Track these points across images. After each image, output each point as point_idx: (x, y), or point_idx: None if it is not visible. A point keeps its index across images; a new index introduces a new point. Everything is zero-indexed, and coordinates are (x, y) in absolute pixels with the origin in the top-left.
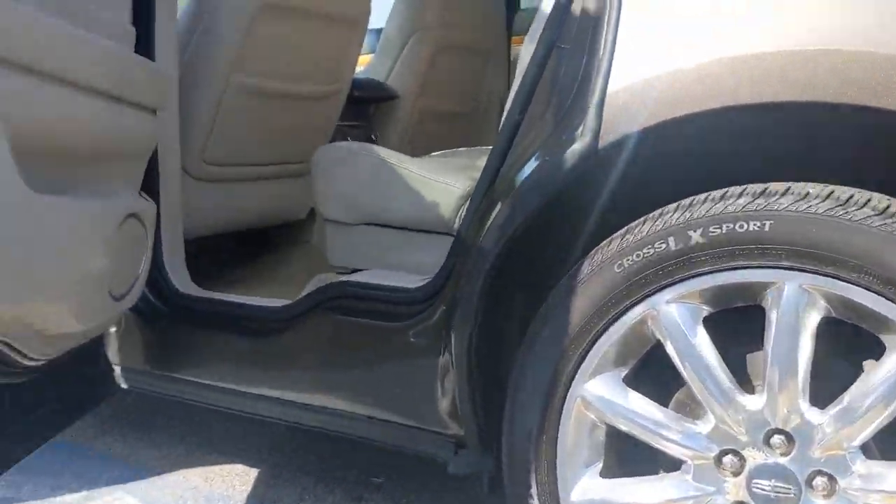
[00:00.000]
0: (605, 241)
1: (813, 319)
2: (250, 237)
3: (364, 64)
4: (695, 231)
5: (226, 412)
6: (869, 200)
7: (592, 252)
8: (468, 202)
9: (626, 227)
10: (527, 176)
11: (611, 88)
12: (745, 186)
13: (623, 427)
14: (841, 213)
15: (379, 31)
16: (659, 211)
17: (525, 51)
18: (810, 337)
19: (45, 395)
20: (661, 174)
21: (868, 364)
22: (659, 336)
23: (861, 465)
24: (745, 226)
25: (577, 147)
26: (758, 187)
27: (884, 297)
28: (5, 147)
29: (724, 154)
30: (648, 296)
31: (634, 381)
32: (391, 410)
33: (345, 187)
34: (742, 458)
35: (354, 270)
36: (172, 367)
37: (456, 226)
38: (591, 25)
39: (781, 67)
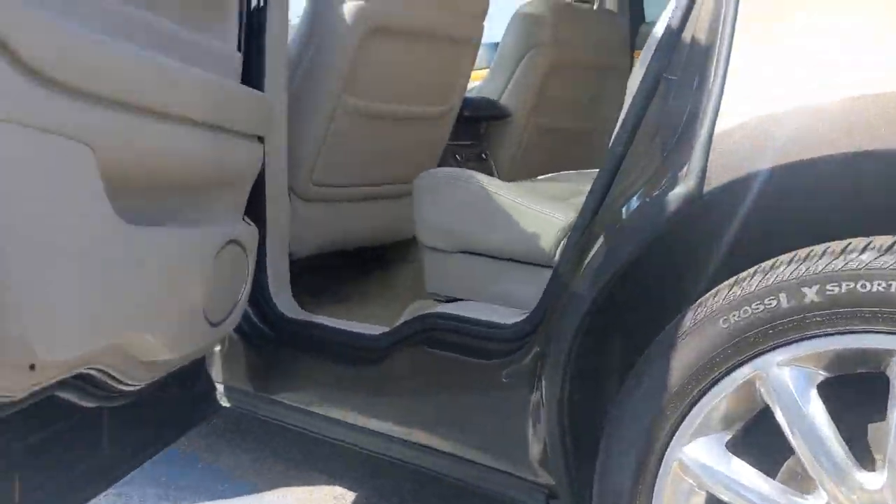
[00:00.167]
0: (710, 292)
1: None
2: (358, 256)
3: (478, 79)
4: (810, 288)
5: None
6: None
7: (696, 303)
8: (568, 235)
9: (734, 278)
10: (627, 217)
11: (719, 127)
12: (869, 239)
13: (724, 496)
14: None
15: (496, 46)
16: (771, 262)
17: (634, 78)
18: None
19: (155, 410)
20: (774, 222)
21: None
22: (767, 400)
23: None
24: (869, 285)
25: (680, 190)
26: (885, 241)
27: None
28: (97, 181)
29: (849, 203)
30: (757, 356)
31: (739, 446)
32: (480, 451)
33: (443, 214)
34: None
35: (452, 299)
36: (271, 389)
37: (556, 259)
38: (701, 55)
39: None
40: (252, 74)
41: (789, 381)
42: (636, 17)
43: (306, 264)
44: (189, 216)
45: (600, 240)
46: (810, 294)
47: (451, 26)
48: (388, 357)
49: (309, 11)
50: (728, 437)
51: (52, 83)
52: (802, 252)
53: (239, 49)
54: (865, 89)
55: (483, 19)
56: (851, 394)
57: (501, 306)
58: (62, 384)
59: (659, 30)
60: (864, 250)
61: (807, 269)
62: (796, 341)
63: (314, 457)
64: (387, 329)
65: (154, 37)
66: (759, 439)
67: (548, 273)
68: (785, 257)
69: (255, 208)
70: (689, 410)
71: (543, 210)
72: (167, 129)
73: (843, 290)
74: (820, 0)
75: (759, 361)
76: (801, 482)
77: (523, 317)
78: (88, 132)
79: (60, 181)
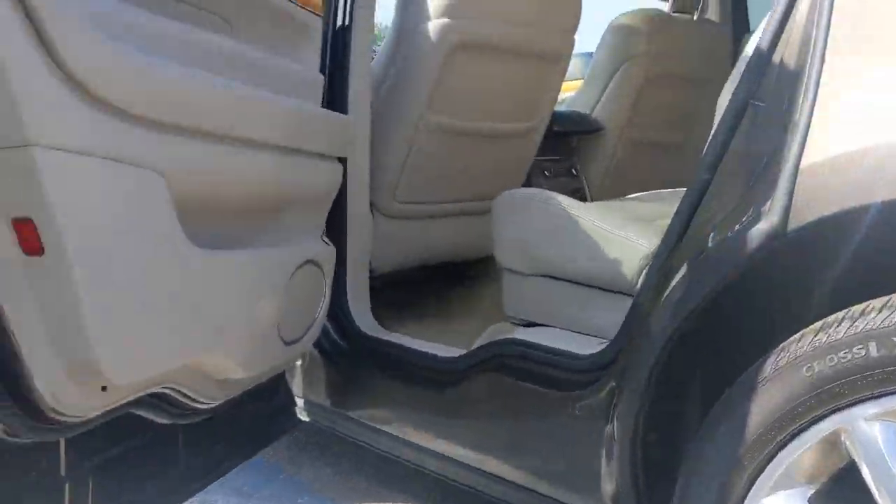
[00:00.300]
0: (794, 336)
1: None
2: (439, 272)
3: (569, 90)
4: None
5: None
6: None
7: (780, 347)
8: (650, 264)
9: (820, 322)
10: (707, 250)
11: (806, 161)
12: None
13: None
14: None
15: (591, 55)
16: (861, 307)
17: (724, 96)
18: None
19: (233, 425)
20: (864, 264)
21: None
22: (854, 456)
23: None
24: None
25: (763, 226)
26: None
27: None
28: (169, 208)
29: None
30: (842, 408)
31: (823, 502)
32: (551, 485)
33: (522, 235)
34: None
35: (531, 323)
36: (347, 405)
37: (638, 288)
38: (790, 81)
39: None
40: (335, 95)
41: (878, 436)
42: (740, 27)
43: (387, 280)
44: (266, 237)
45: (682, 271)
46: None
47: (538, 42)
48: (462, 381)
49: (395, 29)
50: (811, 491)
51: (124, 115)
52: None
53: (323, 69)
54: None
55: (573, 34)
56: None
57: (581, 334)
58: (137, 402)
59: (750, 49)
60: None
61: None
62: (887, 394)
63: (394, 476)
64: (464, 351)
65: (233, 63)
66: (845, 496)
67: (629, 302)
68: (877, 302)
69: (336, 227)
70: (769, 462)
71: (626, 235)
72: (241, 155)
73: None
74: None
75: (844, 414)
76: None
77: (601, 348)
78: (160, 161)
79: (132, 209)
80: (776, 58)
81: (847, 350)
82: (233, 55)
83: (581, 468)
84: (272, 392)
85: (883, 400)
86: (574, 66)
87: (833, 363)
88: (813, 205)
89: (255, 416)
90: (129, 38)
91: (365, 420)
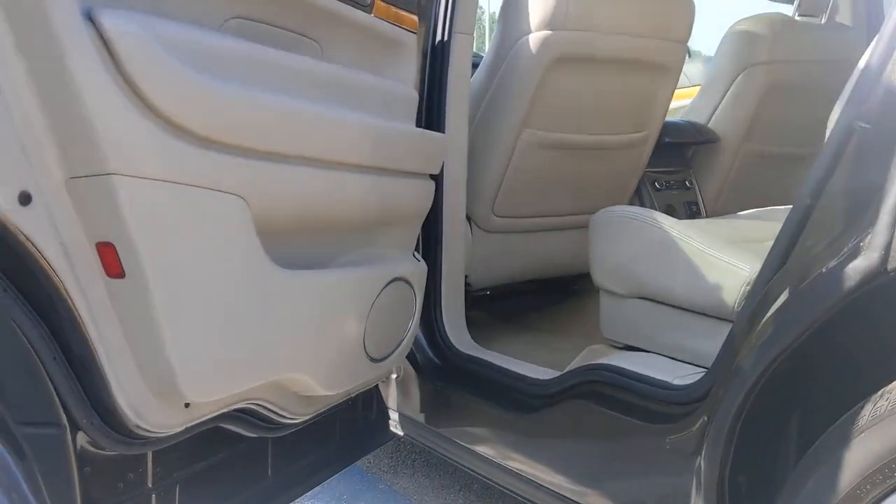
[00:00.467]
0: (893, 384)
1: None
2: (538, 287)
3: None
4: None
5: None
6: None
7: (878, 393)
8: (748, 290)
9: None
10: (804, 285)
11: None
12: None
13: None
14: None
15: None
16: None
17: (833, 115)
18: None
19: (323, 438)
20: None
21: None
22: None
23: None
24: None
25: (861, 263)
26: None
27: None
28: (250, 231)
29: None
30: None
31: None
32: None
33: (620, 256)
34: None
35: (629, 347)
36: (438, 421)
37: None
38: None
39: None
40: (433, 111)
41: None
42: (875, 30)
43: (484, 295)
44: (352, 256)
45: (778, 302)
46: None
47: (648, 53)
48: (551, 405)
49: (495, 44)
50: None
51: (203, 142)
52: None
53: (422, 85)
54: None
55: (684, 44)
56: None
57: (680, 362)
58: (223, 417)
59: (861, 65)
60: None
61: None
62: None
63: (490, 492)
64: (557, 373)
65: (321, 86)
66: None
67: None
68: None
69: (432, 242)
70: None
71: (728, 259)
72: (326, 176)
73: None
74: None
75: None
76: None
77: (695, 379)
78: (241, 185)
79: (212, 232)
80: (887, 74)
81: None
82: (322, 77)
83: (667, 501)
84: (365, 406)
85: None
86: (698, 70)
87: None
88: None
89: (348, 430)
90: (209, 65)
91: (454, 437)
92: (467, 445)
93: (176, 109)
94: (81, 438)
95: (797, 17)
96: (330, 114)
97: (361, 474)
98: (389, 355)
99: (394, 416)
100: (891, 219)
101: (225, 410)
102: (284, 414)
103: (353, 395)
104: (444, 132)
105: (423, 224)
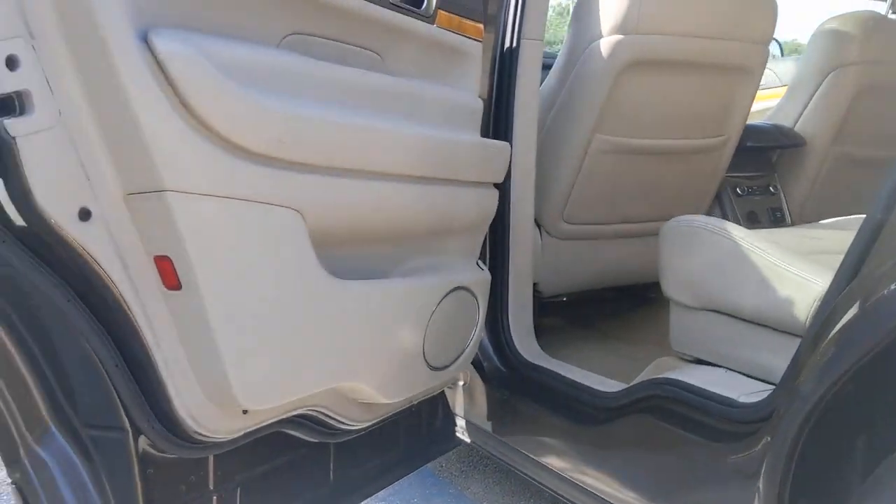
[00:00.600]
0: None
1: None
2: (612, 296)
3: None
4: None
5: None
6: None
7: None
8: (818, 306)
9: None
10: (869, 303)
11: None
12: None
13: None
14: None
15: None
16: None
17: None
18: None
19: (387, 443)
20: None
21: None
22: None
23: None
24: None
25: None
26: None
27: None
28: (306, 243)
29: None
30: None
31: None
32: None
33: (690, 267)
34: None
35: (698, 360)
36: (503, 430)
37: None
38: None
39: None
40: (500, 118)
41: None
42: None
43: (558, 302)
44: (411, 265)
45: (843, 320)
46: None
47: (727, 55)
48: (615, 417)
49: (566, 48)
50: None
51: (256, 158)
52: None
53: (490, 92)
54: None
55: (767, 45)
56: None
57: (750, 378)
58: (283, 422)
59: None
60: None
61: None
62: None
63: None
64: (622, 386)
65: (381, 98)
66: None
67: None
68: None
69: (499, 250)
70: None
71: (799, 271)
72: (382, 188)
73: None
74: None
75: None
76: None
77: (761, 397)
78: (296, 199)
79: (267, 245)
80: None
81: None
82: (380, 90)
83: None
84: (430, 412)
85: None
86: (788, 69)
87: None
88: None
89: (412, 436)
90: (265, 82)
91: (518, 446)
92: (531, 455)
93: (229, 127)
94: (143, 441)
95: (890, 16)
96: (388, 126)
97: (434, 478)
98: (451, 364)
99: (460, 422)
100: None
101: (284, 416)
102: (344, 420)
103: (415, 402)
104: (511, 140)
105: (490, 232)
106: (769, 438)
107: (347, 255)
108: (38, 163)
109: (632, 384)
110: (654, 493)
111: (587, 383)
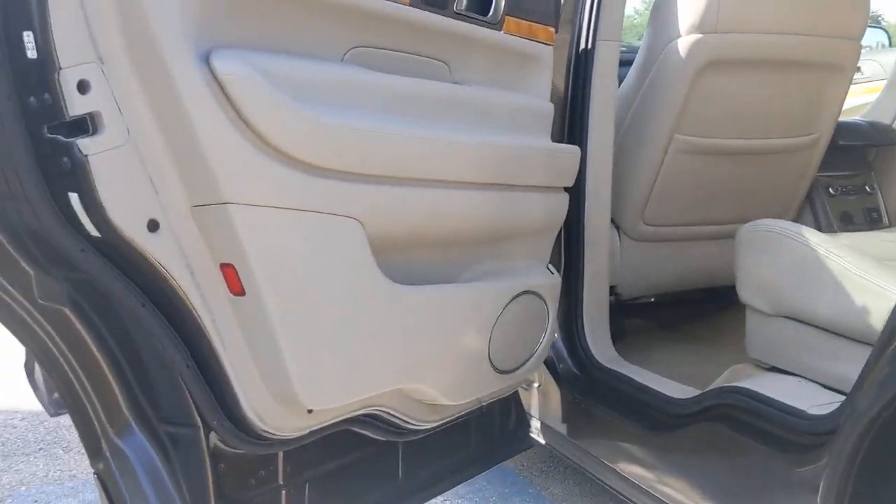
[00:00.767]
0: None
1: None
2: (693, 299)
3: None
4: None
5: None
6: None
7: None
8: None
9: None
10: None
11: None
12: None
13: None
14: None
15: None
16: None
17: None
18: None
19: (458, 443)
20: None
21: None
22: None
23: None
24: None
25: None
26: None
27: None
28: (366, 251)
29: None
30: None
31: None
32: None
33: (766, 272)
34: None
35: (775, 368)
36: (577, 433)
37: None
38: None
39: None
40: (575, 121)
41: None
42: None
43: (636, 304)
44: (476, 270)
45: None
46: None
47: (815, 51)
48: (685, 424)
49: (644, 47)
50: None
51: (315, 170)
52: None
53: (566, 94)
54: None
55: (858, 40)
56: None
57: (826, 388)
58: (350, 421)
59: None
60: None
61: None
62: None
63: None
64: (694, 392)
65: (444, 107)
66: None
67: None
68: None
69: (574, 253)
70: None
71: (876, 280)
72: (444, 196)
73: None
74: None
75: None
76: None
77: (833, 408)
78: (356, 208)
79: (327, 252)
80: None
81: None
82: (445, 98)
83: None
84: (503, 413)
85: None
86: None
87: None
88: None
89: (483, 436)
90: (325, 96)
91: (591, 450)
92: (603, 459)
93: (286, 142)
94: (214, 438)
95: None
96: (450, 135)
97: (514, 476)
98: (519, 367)
99: (535, 423)
100: None
101: (350, 416)
102: (410, 420)
103: (484, 404)
104: (586, 143)
105: (565, 235)
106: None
107: (410, 260)
108: (109, 178)
109: (703, 391)
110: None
111: (658, 388)
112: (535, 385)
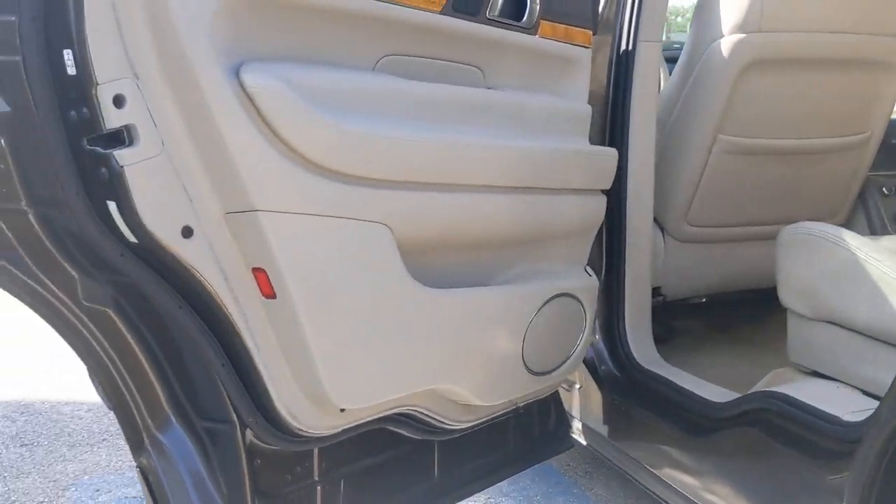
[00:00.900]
0: None
1: None
2: (738, 301)
3: None
4: None
5: None
6: None
7: None
8: None
9: None
10: None
11: None
12: None
13: None
14: None
15: None
16: None
17: None
18: None
19: (496, 442)
20: None
21: None
22: None
23: None
24: None
25: None
26: None
27: None
28: (395, 255)
29: None
30: None
31: None
32: None
33: (806, 276)
34: None
35: (817, 373)
36: (617, 434)
37: None
38: None
39: None
40: (616, 123)
41: None
42: None
43: (681, 305)
44: (511, 273)
45: None
46: None
47: (861, 50)
48: (722, 428)
49: (688, 46)
50: None
51: (343, 177)
52: None
53: (606, 96)
54: None
55: None
56: None
57: (865, 394)
58: (384, 420)
59: None
60: None
61: None
62: None
63: None
64: (733, 396)
65: (477, 112)
66: None
67: None
68: None
69: (615, 255)
70: None
71: None
72: (475, 200)
73: None
74: None
75: None
76: None
77: (868, 415)
78: (384, 213)
79: (356, 257)
80: None
81: None
82: (478, 104)
83: None
84: (542, 413)
85: None
86: None
87: None
88: None
89: (522, 436)
90: (354, 105)
91: (630, 452)
92: (642, 461)
93: (314, 151)
94: (250, 434)
95: None
96: (482, 140)
97: (558, 476)
98: (555, 369)
99: (576, 424)
100: None
101: (383, 414)
102: (444, 420)
103: (520, 405)
104: (627, 144)
105: (606, 237)
106: None
107: (441, 264)
108: (145, 187)
109: (740, 396)
110: None
111: (696, 391)
112: (577, 386)
